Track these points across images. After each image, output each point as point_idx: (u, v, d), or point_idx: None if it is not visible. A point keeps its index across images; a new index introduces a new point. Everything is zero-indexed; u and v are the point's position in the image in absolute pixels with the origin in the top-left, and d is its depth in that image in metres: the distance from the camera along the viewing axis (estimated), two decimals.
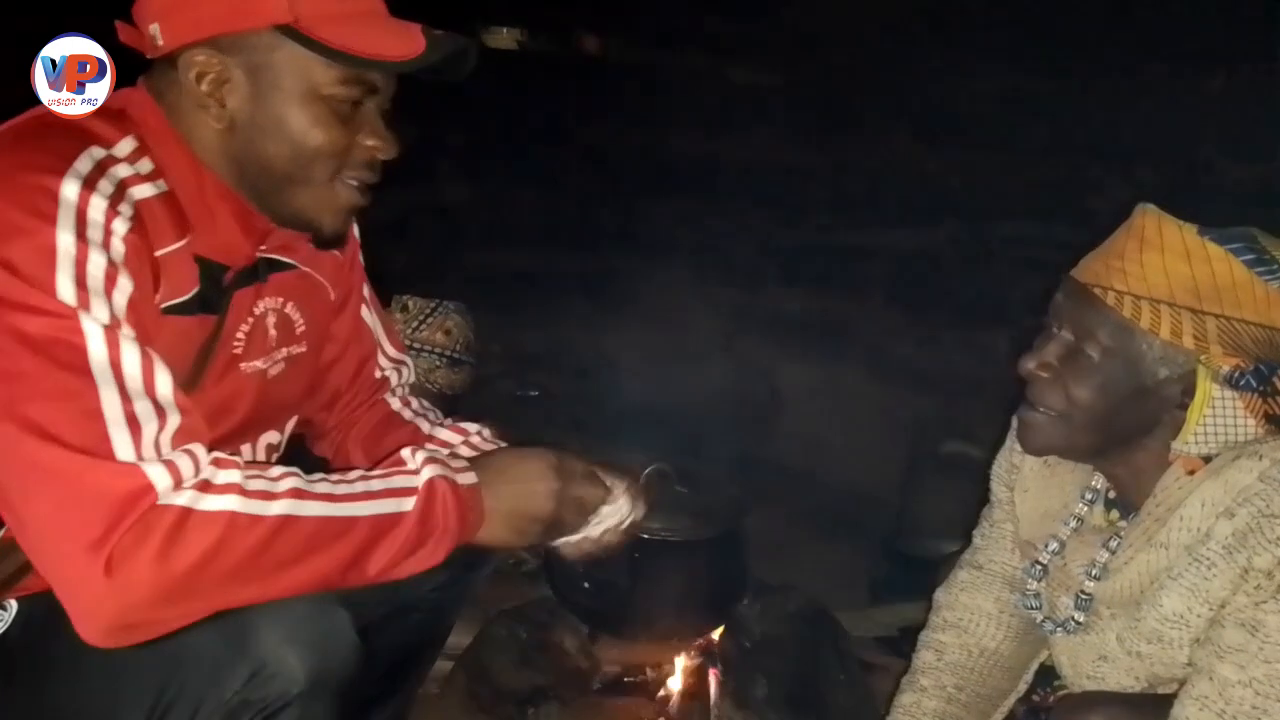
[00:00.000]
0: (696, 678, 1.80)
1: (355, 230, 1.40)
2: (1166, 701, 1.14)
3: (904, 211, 3.19)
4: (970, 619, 1.43)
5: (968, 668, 1.42)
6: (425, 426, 1.42)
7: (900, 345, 2.88)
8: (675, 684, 1.79)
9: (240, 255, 1.17)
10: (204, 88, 1.09)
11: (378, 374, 1.44)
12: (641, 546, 1.70)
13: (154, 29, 1.09)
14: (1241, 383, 1.12)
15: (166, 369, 1.01)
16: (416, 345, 2.02)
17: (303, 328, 1.30)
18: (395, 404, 1.44)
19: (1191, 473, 1.14)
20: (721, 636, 1.86)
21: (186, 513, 0.94)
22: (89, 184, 1.00)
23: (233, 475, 0.99)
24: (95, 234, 0.98)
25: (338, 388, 1.41)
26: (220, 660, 0.98)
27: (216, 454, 1.01)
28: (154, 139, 1.10)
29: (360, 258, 1.42)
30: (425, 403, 1.49)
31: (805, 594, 2.03)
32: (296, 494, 1.01)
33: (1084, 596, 1.24)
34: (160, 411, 0.98)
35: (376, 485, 1.07)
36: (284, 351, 1.27)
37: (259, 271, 1.21)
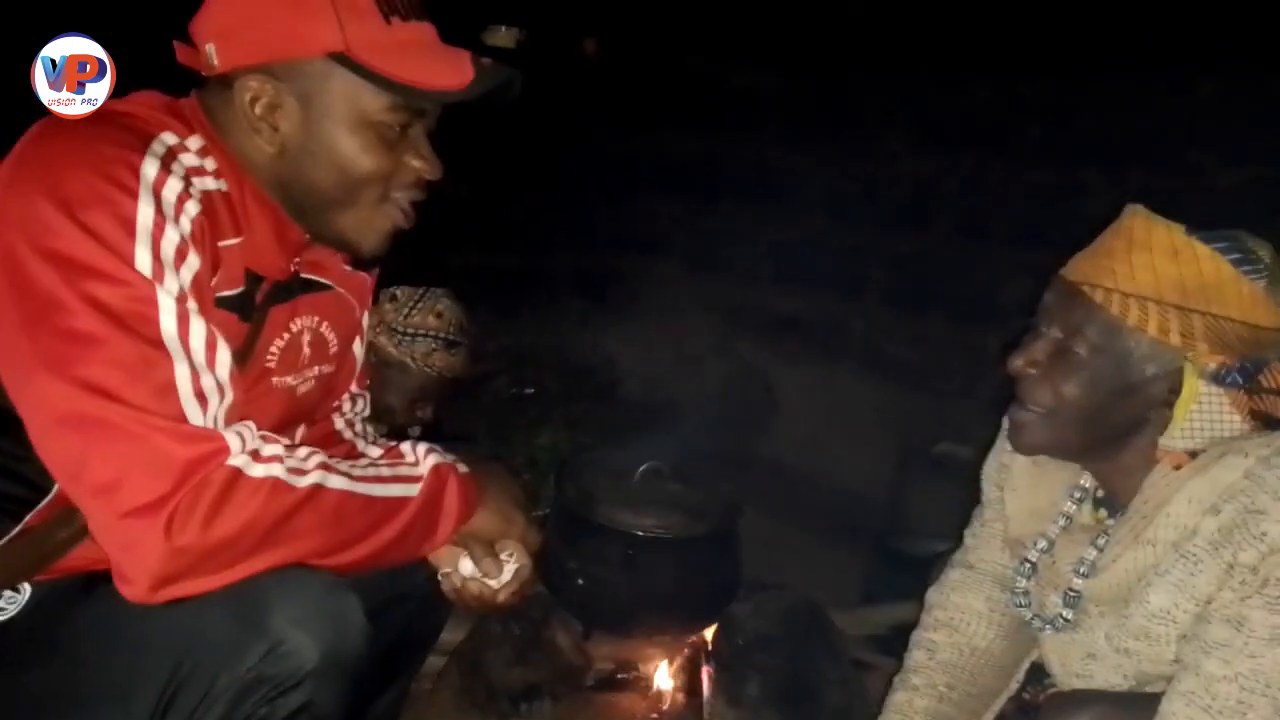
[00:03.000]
0: (690, 675, 1.80)
1: None
2: (1154, 700, 1.15)
3: (898, 212, 3.20)
4: (962, 618, 1.44)
5: (959, 666, 1.43)
6: (360, 445, 1.43)
7: (893, 345, 2.89)
8: (668, 681, 1.80)
9: (274, 268, 1.20)
10: (257, 111, 1.12)
11: (337, 403, 1.45)
12: (635, 544, 1.71)
13: (210, 49, 1.12)
14: (1228, 379, 1.13)
15: (227, 347, 1.06)
16: (411, 331, 2.05)
17: (335, 348, 1.34)
18: (339, 423, 1.46)
19: (1178, 468, 1.15)
20: (715, 634, 1.87)
21: (241, 476, 1.00)
22: (165, 165, 1.05)
23: (277, 448, 1.06)
24: (170, 210, 1.02)
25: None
26: (235, 638, 1.01)
27: (258, 429, 1.07)
28: (210, 144, 1.14)
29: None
30: (369, 429, 1.52)
31: (798, 593, 2.03)
32: (325, 468, 1.08)
33: (1072, 594, 1.25)
34: (220, 388, 1.03)
35: (386, 471, 1.16)
36: (315, 370, 1.31)
37: (293, 288, 1.24)
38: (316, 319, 1.29)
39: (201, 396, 1.01)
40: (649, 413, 1.91)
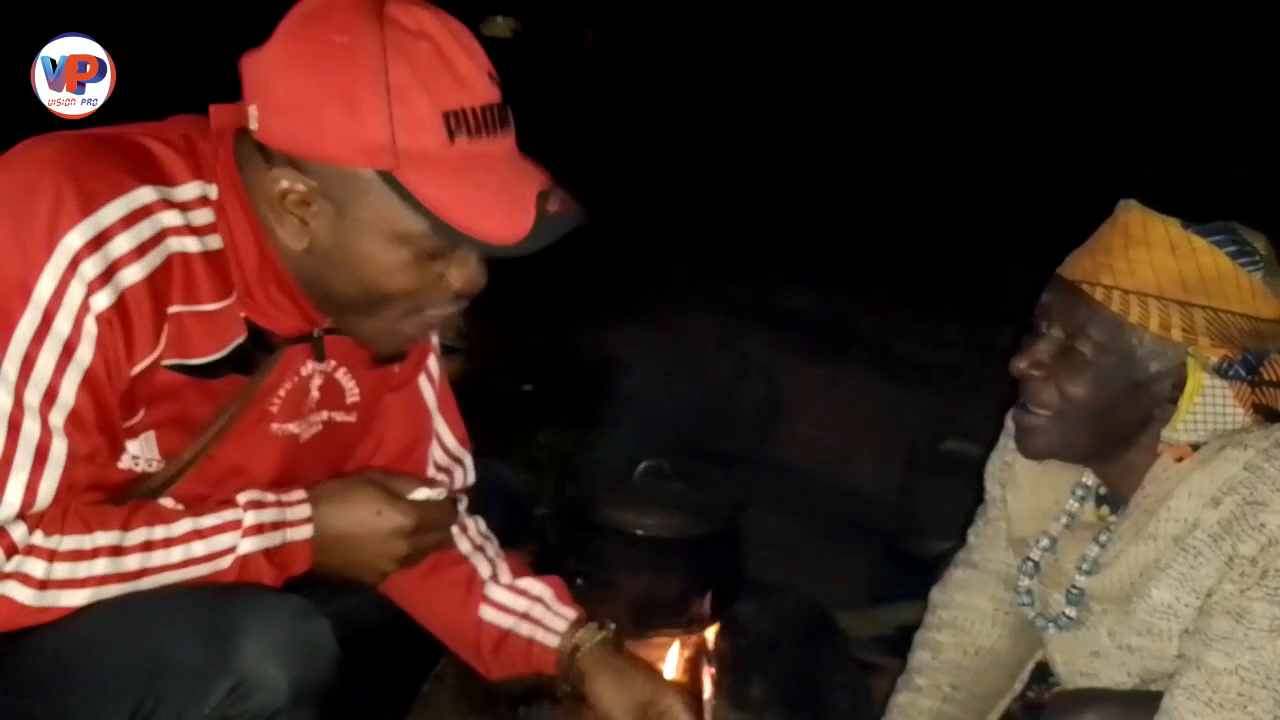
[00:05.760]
0: (692, 677, 1.80)
1: None
2: (1159, 698, 1.14)
3: (905, 208, 3.19)
4: (966, 618, 1.43)
5: (964, 667, 1.42)
6: (484, 570, 1.31)
7: (900, 343, 2.87)
8: None
9: (294, 331, 1.12)
10: (286, 204, 1.02)
11: (430, 468, 1.31)
12: (637, 544, 1.71)
13: (253, 111, 1.01)
14: (1231, 372, 1.13)
15: (64, 449, 0.98)
16: None
17: (355, 398, 1.21)
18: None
19: (1179, 460, 1.15)
20: (718, 635, 1.86)
21: None
22: (99, 240, 0.96)
23: (36, 568, 0.97)
24: (73, 300, 0.95)
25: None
26: (201, 673, 0.96)
27: (34, 539, 0.97)
28: (226, 198, 1.05)
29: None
30: (483, 525, 1.35)
31: (803, 593, 2.02)
32: (101, 581, 0.99)
33: (1075, 592, 1.25)
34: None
35: (199, 549, 1.04)
36: (324, 415, 1.19)
37: (315, 338, 1.14)
38: (332, 364, 1.17)
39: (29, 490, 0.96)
40: (651, 411, 1.90)
